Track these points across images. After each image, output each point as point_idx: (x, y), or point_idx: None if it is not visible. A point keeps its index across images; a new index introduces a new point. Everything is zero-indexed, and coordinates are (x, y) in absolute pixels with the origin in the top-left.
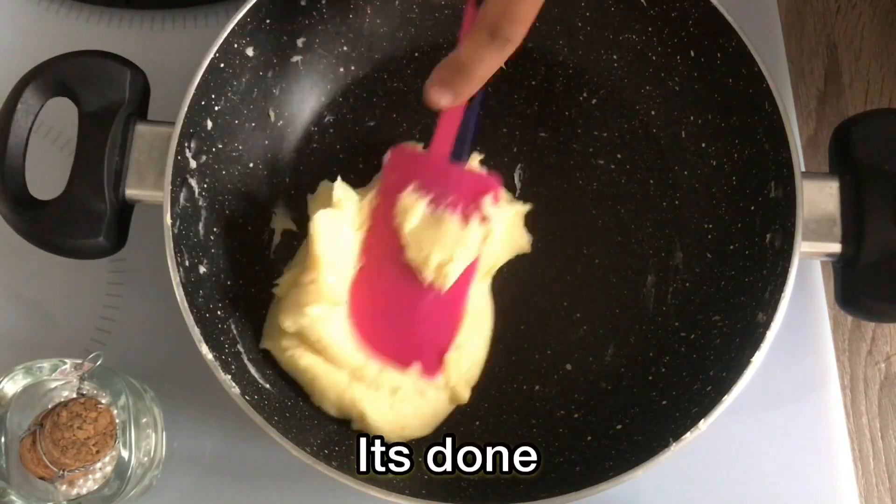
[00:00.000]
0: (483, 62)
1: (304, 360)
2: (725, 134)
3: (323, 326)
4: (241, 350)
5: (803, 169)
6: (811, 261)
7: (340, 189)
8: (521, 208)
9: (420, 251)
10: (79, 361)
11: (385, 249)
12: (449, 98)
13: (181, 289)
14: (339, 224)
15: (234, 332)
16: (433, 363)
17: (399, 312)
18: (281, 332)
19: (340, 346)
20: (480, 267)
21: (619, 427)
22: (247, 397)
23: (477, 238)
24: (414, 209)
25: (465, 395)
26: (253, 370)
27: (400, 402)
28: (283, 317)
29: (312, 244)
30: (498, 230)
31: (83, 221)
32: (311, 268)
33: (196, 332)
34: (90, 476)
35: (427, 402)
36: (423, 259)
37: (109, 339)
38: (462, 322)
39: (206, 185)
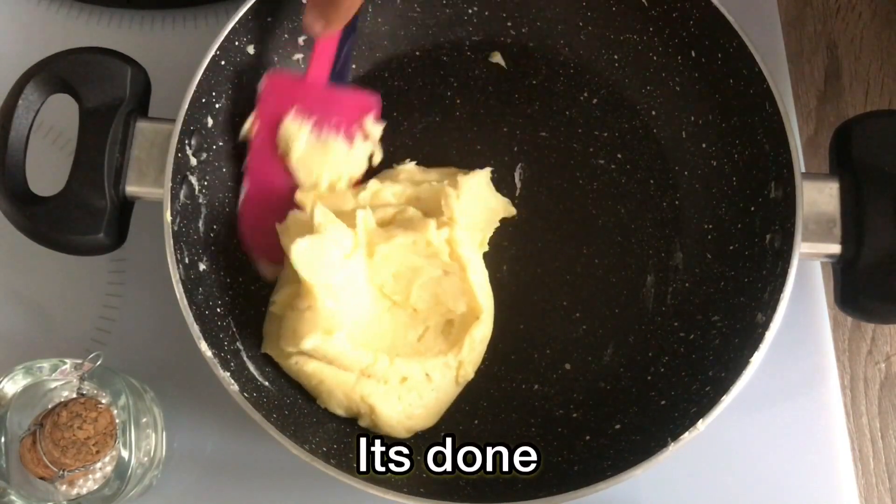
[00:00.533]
0: None
1: (310, 367)
2: (726, 134)
3: (325, 349)
4: (241, 347)
5: (803, 170)
6: (811, 261)
7: (321, 214)
8: (484, 172)
9: (310, 175)
10: (79, 361)
11: (268, 172)
12: (321, 24)
13: (181, 286)
14: (322, 248)
15: (234, 329)
16: None
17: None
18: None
19: (346, 357)
20: (472, 240)
21: (617, 427)
22: (245, 395)
23: (363, 155)
24: (298, 135)
25: (471, 372)
26: (252, 367)
27: (408, 391)
28: (284, 342)
29: (300, 274)
30: (467, 200)
31: (83, 218)
32: (305, 295)
33: (195, 328)
34: (90, 476)
35: (433, 388)
36: (314, 182)
37: (109, 339)
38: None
39: (206, 183)
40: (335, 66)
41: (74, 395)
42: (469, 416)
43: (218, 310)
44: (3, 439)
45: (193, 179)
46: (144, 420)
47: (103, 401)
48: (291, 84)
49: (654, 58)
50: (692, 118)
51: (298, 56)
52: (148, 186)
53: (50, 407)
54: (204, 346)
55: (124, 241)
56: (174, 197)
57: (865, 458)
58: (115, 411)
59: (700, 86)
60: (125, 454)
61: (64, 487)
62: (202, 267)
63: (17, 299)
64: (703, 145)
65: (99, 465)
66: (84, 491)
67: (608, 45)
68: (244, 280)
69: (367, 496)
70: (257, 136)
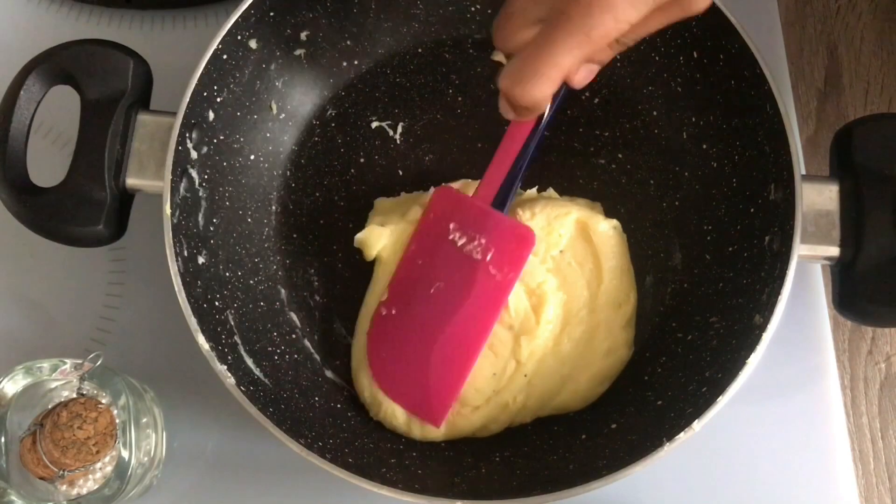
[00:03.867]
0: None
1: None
2: (726, 136)
3: None
4: (238, 341)
5: (803, 172)
6: (811, 263)
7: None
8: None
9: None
10: (79, 361)
11: (413, 288)
12: (511, 114)
13: (179, 278)
14: None
15: (232, 323)
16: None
17: (418, 356)
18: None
19: None
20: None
21: (613, 426)
22: (242, 388)
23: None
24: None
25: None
26: (249, 361)
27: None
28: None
29: None
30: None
31: (83, 209)
32: None
33: (193, 321)
34: (90, 476)
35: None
36: None
37: (109, 339)
38: (471, 367)
39: (206, 176)
40: (502, 187)
41: (74, 395)
42: None
43: (216, 303)
44: (3, 439)
45: (194, 173)
46: (144, 420)
47: (103, 401)
48: (457, 200)
49: (656, 58)
50: (693, 119)
51: (300, 52)
52: (148, 179)
53: (50, 407)
54: (201, 339)
55: (124, 233)
56: (174, 190)
57: (865, 458)
58: (115, 411)
59: (701, 87)
60: (125, 454)
61: (64, 487)
62: (201, 260)
63: (18, 299)
64: (704, 146)
65: (99, 465)
66: (84, 491)
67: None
68: (243, 274)
69: (363, 492)
70: (411, 250)
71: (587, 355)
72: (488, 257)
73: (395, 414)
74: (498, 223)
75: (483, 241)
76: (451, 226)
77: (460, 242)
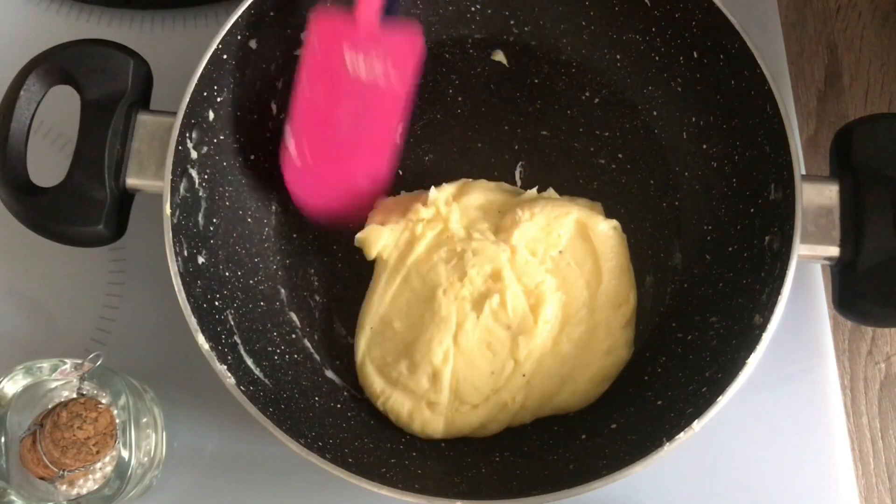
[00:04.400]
0: None
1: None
2: (726, 136)
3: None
4: (238, 341)
5: (803, 172)
6: (811, 263)
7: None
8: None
9: None
10: (79, 361)
11: (318, 118)
12: None
13: (179, 278)
14: None
15: (232, 323)
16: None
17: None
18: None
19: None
20: None
21: (613, 426)
22: (242, 388)
23: None
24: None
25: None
26: (249, 361)
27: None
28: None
29: None
30: None
31: (83, 209)
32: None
33: (193, 321)
34: (90, 476)
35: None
36: None
37: (109, 339)
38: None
39: (206, 176)
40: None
41: (74, 395)
42: None
43: (216, 303)
44: (3, 439)
45: (194, 172)
46: (144, 420)
47: (103, 401)
48: (339, 21)
49: (656, 58)
50: (693, 119)
51: (300, 51)
52: (148, 179)
53: (50, 407)
54: (201, 338)
55: (124, 233)
56: (174, 190)
57: (865, 458)
58: (115, 411)
59: (701, 87)
60: (125, 454)
61: (64, 487)
62: (201, 260)
63: (18, 299)
64: (704, 146)
65: (99, 465)
66: (84, 491)
67: (610, 44)
68: (243, 274)
69: (363, 492)
70: (305, 80)
71: (586, 355)
72: (383, 73)
73: (403, 404)
74: (389, 38)
75: (377, 59)
76: (345, 52)
77: (354, 67)
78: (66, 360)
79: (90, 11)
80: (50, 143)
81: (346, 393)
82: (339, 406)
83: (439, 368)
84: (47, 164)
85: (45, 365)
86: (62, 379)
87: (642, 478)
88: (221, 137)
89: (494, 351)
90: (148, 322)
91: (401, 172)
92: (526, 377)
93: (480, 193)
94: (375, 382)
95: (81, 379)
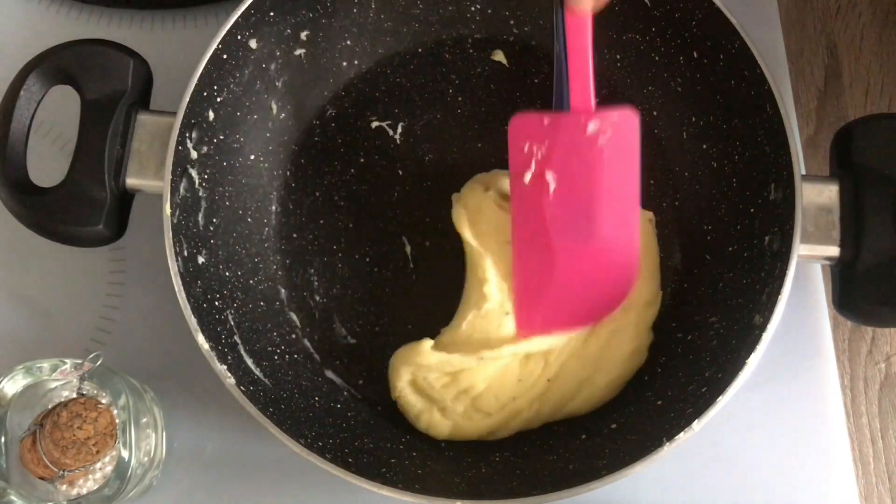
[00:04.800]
0: None
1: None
2: (726, 136)
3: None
4: (238, 341)
5: (803, 172)
6: (812, 263)
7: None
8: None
9: None
10: (79, 361)
11: (532, 226)
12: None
13: (179, 278)
14: None
15: (232, 322)
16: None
17: (567, 282)
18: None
19: None
20: None
21: (613, 426)
22: (242, 388)
23: None
24: None
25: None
26: (249, 361)
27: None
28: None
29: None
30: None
31: (83, 209)
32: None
33: (193, 321)
34: (90, 476)
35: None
36: None
37: (109, 339)
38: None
39: (206, 176)
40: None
41: (74, 395)
42: None
43: (216, 303)
44: (3, 439)
45: (194, 172)
46: (144, 420)
47: (103, 401)
48: (545, 122)
49: (656, 58)
50: (693, 119)
51: (300, 52)
52: (148, 179)
53: (50, 407)
54: (201, 338)
55: (124, 233)
56: (174, 190)
57: (865, 458)
58: (115, 411)
59: (701, 87)
60: (125, 454)
61: (64, 487)
62: (201, 260)
63: (17, 299)
64: (704, 146)
65: (99, 465)
66: (84, 491)
67: (610, 44)
68: (242, 274)
69: (363, 491)
70: (519, 198)
71: (611, 357)
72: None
73: (415, 405)
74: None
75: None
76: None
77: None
78: (66, 360)
79: (90, 11)
80: (50, 142)
81: (346, 393)
82: (339, 406)
83: (475, 384)
84: (47, 164)
85: (45, 365)
86: (62, 379)
87: (642, 478)
88: (221, 137)
89: (530, 354)
90: (148, 322)
91: (401, 172)
92: (550, 382)
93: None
94: (402, 379)
95: (81, 379)
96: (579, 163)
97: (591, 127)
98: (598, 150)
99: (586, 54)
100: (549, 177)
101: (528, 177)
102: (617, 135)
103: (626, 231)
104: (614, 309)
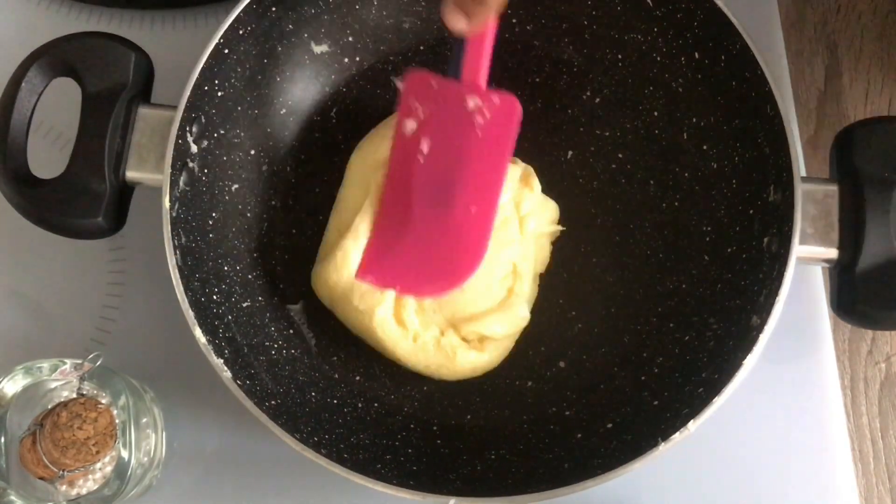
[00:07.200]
0: None
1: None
2: (726, 137)
3: None
4: (236, 335)
5: (803, 174)
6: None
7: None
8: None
9: None
10: (79, 361)
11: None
12: (463, 22)
13: (177, 271)
14: None
15: (230, 317)
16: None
17: (425, 241)
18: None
19: None
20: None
21: (609, 426)
22: (238, 382)
23: None
24: None
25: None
26: (246, 356)
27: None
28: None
29: None
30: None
31: (82, 201)
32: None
33: (190, 314)
34: (90, 476)
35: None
36: None
37: (109, 339)
38: (488, 239)
39: (206, 170)
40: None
41: (74, 395)
42: (462, 410)
43: (214, 297)
44: (3, 439)
45: (194, 166)
46: (144, 420)
47: (103, 401)
48: (434, 85)
49: (658, 58)
50: (693, 120)
51: (302, 47)
52: (148, 172)
53: (50, 407)
54: (198, 332)
55: (123, 226)
56: (174, 183)
57: (865, 458)
58: (115, 411)
59: (702, 87)
60: (125, 454)
61: (64, 488)
62: (199, 254)
63: (17, 299)
64: (704, 147)
65: (99, 465)
66: (84, 491)
67: (612, 44)
68: (241, 268)
69: (359, 487)
70: (398, 149)
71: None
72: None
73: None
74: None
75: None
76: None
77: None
78: (65, 360)
79: (90, 11)
80: (50, 135)
81: (343, 388)
82: (335, 402)
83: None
84: (48, 156)
85: (45, 365)
86: (62, 379)
87: (640, 477)
88: (222, 132)
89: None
90: (148, 322)
91: None
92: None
93: None
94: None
95: (81, 379)
96: (454, 135)
97: (472, 103)
98: (474, 129)
99: (487, 34)
100: (424, 144)
101: (408, 126)
102: (496, 118)
103: (482, 217)
104: (451, 289)
